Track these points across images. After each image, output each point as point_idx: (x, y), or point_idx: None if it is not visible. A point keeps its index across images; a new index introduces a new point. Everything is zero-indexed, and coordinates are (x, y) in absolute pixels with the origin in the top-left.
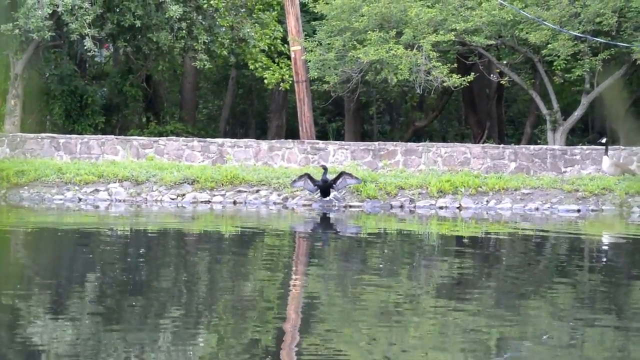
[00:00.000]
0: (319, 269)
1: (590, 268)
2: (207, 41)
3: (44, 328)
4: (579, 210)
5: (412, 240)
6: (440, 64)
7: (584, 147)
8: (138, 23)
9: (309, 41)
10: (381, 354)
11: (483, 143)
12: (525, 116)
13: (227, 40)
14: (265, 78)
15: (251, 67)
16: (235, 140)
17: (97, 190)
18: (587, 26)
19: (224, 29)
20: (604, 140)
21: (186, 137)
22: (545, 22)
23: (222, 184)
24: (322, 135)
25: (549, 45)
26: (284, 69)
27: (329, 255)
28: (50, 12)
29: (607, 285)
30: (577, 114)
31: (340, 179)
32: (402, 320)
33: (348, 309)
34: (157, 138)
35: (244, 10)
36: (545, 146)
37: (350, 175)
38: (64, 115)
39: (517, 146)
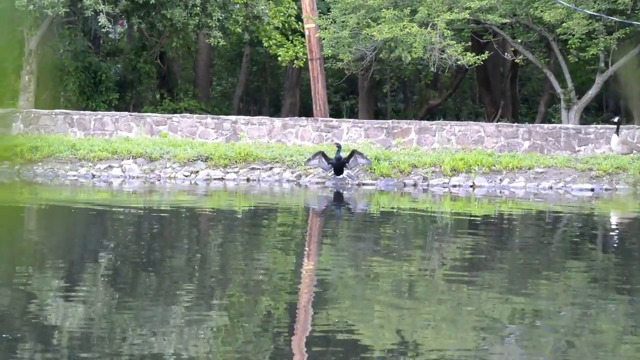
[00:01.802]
0: (332, 247)
1: (604, 247)
2: (221, 18)
3: (56, 306)
4: (592, 189)
5: (425, 218)
6: (454, 42)
7: (598, 126)
8: (152, 0)
9: (323, 19)
10: (393, 331)
11: (497, 122)
12: (540, 95)
13: (241, 18)
14: (279, 55)
15: (265, 44)
16: (248, 117)
17: (111, 167)
18: (602, 5)
19: (238, 6)
20: (616, 119)
21: (200, 114)
22: (560, 1)
23: (236, 162)
24: (335, 113)
25: (564, 24)
26: (298, 47)
27: (342, 233)
28: None
29: (620, 265)
30: (592, 92)
31: (352, 158)
32: (415, 298)
33: (361, 286)
34: (170, 115)
35: None
36: (559, 125)
37: (361, 154)
38: (78, 91)
39: (531, 125)
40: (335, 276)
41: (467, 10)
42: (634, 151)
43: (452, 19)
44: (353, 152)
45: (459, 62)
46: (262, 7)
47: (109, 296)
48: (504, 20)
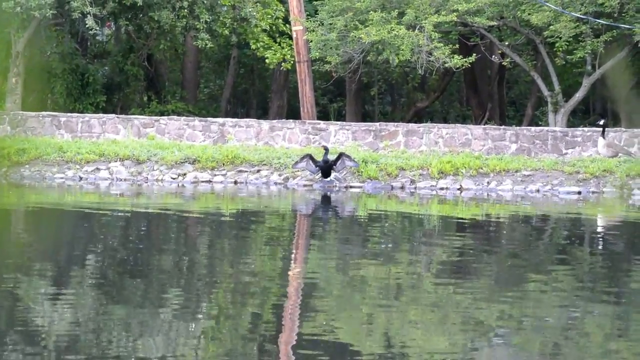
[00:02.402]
0: (319, 250)
1: (591, 250)
2: (208, 20)
3: (44, 309)
4: (579, 192)
5: (412, 221)
6: (442, 44)
7: (585, 129)
8: (140, 1)
9: (310, 21)
10: (381, 333)
11: (484, 124)
12: (527, 98)
13: (229, 20)
14: (267, 58)
15: (253, 46)
16: (236, 120)
17: (98, 169)
18: (589, 7)
19: (225, 8)
20: (601, 122)
21: (187, 116)
22: (547, 4)
23: (223, 164)
24: (323, 115)
25: (551, 27)
26: (286, 49)
27: (329, 235)
28: None
29: (607, 268)
30: (579, 95)
31: (340, 160)
32: (402, 300)
33: (348, 289)
34: (158, 117)
35: None
36: (546, 128)
37: (349, 157)
38: (65, 93)
39: (518, 128)
40: (323, 279)
41: (455, 13)
42: (620, 154)
43: (439, 21)
44: (340, 155)
45: (446, 65)
46: (250, 10)
47: (94, 300)
48: (491, 23)
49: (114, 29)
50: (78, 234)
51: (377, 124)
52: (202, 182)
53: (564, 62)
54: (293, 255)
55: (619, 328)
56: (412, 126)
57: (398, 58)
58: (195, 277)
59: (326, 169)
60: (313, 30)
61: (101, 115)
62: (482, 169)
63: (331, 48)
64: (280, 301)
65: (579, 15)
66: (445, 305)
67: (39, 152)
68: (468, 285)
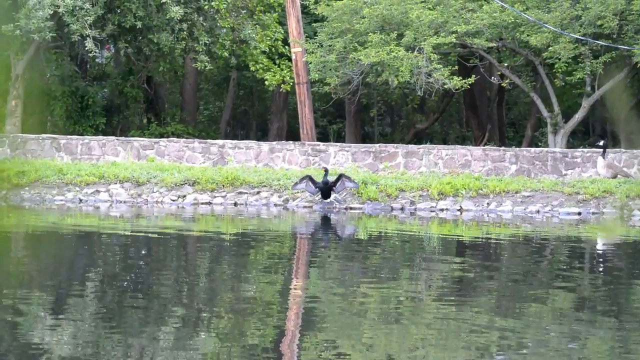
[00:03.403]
0: (320, 271)
1: (591, 271)
2: (208, 42)
3: (42, 332)
4: (579, 213)
5: (413, 243)
6: (441, 66)
7: (585, 150)
8: (139, 24)
9: (310, 43)
10: (383, 354)
11: (484, 145)
12: (526, 119)
13: (228, 42)
14: (266, 79)
15: (252, 68)
16: (236, 141)
17: (98, 192)
18: (588, 29)
19: (224, 30)
20: (601, 143)
21: (187, 138)
22: (547, 25)
23: (223, 186)
24: (322, 137)
25: (550, 48)
26: (285, 71)
27: (330, 257)
28: (51, 13)
29: (608, 289)
30: (578, 116)
31: (340, 182)
32: (403, 323)
33: (349, 311)
34: (157, 139)
35: (245, 11)
36: (546, 149)
37: (349, 178)
38: (65, 116)
39: (517, 149)
40: (324, 300)
41: (454, 35)
42: (619, 175)
43: (438, 43)
44: (340, 176)
45: (445, 86)
46: (249, 32)
47: (96, 322)
48: (491, 44)
49: (113, 51)
50: (79, 257)
51: (377, 145)
52: (202, 203)
53: (563, 83)
54: (293, 278)
55: (620, 346)
56: (412, 147)
57: (397, 79)
58: (195, 300)
59: (326, 190)
60: (312, 52)
61: (101, 137)
62: (482, 190)
63: (330, 70)
64: (280, 324)
65: (578, 37)
66: (447, 326)
67: (38, 174)
68: (469, 305)
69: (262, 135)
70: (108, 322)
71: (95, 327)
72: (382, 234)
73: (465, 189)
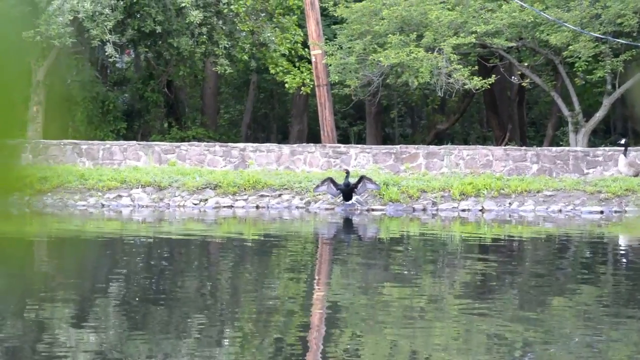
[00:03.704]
0: (343, 273)
1: (615, 271)
2: (227, 46)
3: (67, 337)
4: (602, 212)
5: (435, 243)
6: (461, 66)
7: (606, 148)
8: (159, 29)
9: (329, 45)
10: (405, 356)
11: (505, 145)
12: (547, 118)
13: (248, 45)
14: (286, 82)
15: (272, 71)
16: (257, 144)
17: (120, 196)
18: (608, 27)
19: (244, 34)
20: (622, 141)
21: (208, 142)
22: (566, 24)
23: (245, 189)
24: (343, 139)
25: (570, 47)
26: (305, 73)
27: (352, 259)
28: (71, 18)
29: (631, 288)
30: (599, 115)
31: (361, 183)
32: (426, 324)
33: (372, 312)
34: (179, 143)
35: (264, 14)
36: (567, 148)
37: (370, 179)
38: (86, 121)
39: (539, 148)
40: (347, 303)
41: (473, 35)
42: None
43: (458, 43)
44: (362, 178)
45: (465, 87)
46: (269, 35)
47: (119, 327)
48: (510, 44)
49: (133, 56)
50: (101, 261)
51: (398, 146)
52: (224, 207)
53: (584, 82)
54: (316, 280)
55: None
56: (433, 148)
57: (417, 80)
58: (219, 301)
59: (347, 192)
60: (332, 54)
61: (122, 142)
62: (503, 190)
63: (350, 71)
64: (303, 325)
65: (598, 35)
66: (471, 328)
67: (60, 180)
68: (492, 307)
69: (283, 138)
70: (131, 328)
71: (118, 333)
72: (405, 236)
73: (487, 189)
